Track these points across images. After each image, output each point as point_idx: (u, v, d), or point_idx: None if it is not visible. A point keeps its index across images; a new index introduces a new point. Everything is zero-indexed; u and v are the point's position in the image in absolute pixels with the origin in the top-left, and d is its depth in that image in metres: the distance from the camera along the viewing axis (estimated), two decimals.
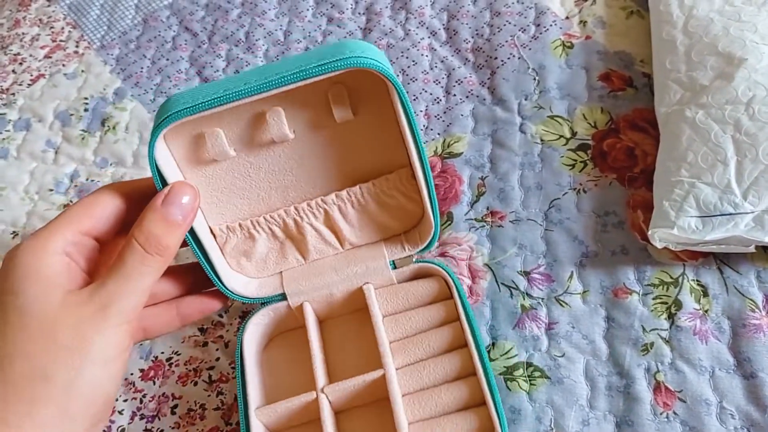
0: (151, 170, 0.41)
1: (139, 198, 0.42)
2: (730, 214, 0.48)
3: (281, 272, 0.51)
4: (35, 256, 0.38)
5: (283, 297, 0.50)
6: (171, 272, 0.48)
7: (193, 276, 0.49)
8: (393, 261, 0.51)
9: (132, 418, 0.52)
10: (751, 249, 0.48)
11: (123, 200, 0.42)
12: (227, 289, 0.48)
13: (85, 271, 0.41)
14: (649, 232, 0.50)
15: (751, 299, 0.49)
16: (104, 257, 0.43)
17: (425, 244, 0.50)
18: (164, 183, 0.42)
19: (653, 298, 0.50)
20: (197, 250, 0.46)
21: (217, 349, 0.54)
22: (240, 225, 0.49)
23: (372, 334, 0.49)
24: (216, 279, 0.48)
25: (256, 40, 0.74)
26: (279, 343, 0.53)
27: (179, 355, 0.54)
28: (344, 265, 0.51)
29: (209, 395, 0.52)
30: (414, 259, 0.51)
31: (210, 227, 0.49)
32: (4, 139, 0.72)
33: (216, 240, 0.49)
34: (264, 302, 0.50)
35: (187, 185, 0.42)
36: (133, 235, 0.39)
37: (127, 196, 0.42)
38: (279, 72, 0.40)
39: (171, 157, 0.44)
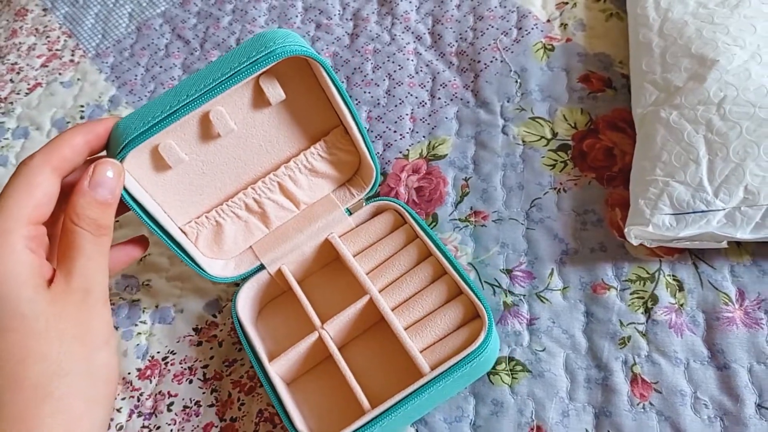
0: (123, 195, 0.44)
1: (72, 167, 0.42)
2: (703, 211, 0.50)
3: (251, 246, 0.56)
4: (5, 260, 0.37)
5: (261, 267, 0.55)
6: None
7: None
8: (347, 208, 0.57)
9: (130, 416, 0.54)
10: (724, 244, 0.50)
11: (58, 175, 0.41)
12: (211, 275, 0.53)
13: (47, 260, 0.41)
14: (625, 230, 0.52)
15: (724, 293, 0.51)
16: (52, 232, 0.43)
17: (370, 186, 0.56)
18: (135, 202, 0.46)
19: (630, 293, 0.52)
20: (177, 250, 0.51)
21: (211, 348, 0.56)
22: (206, 217, 0.54)
23: (348, 277, 0.54)
24: (200, 270, 0.52)
25: None
26: (270, 311, 0.57)
27: (174, 354, 0.56)
28: (306, 224, 0.56)
29: (204, 392, 0.54)
30: (364, 202, 0.57)
31: (180, 228, 0.53)
32: (2, 147, 0.74)
33: (188, 237, 0.53)
34: (246, 278, 0.55)
35: (109, 161, 0.42)
36: (73, 221, 0.39)
37: (60, 169, 0.41)
38: (215, 77, 0.43)
39: (131, 177, 0.47)
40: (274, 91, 0.48)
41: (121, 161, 0.43)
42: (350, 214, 0.57)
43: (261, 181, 0.54)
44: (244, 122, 0.50)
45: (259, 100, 0.49)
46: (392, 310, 0.51)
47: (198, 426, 0.52)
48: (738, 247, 0.52)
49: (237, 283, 0.59)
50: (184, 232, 0.53)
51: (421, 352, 0.48)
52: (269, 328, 0.55)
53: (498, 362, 0.51)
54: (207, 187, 0.52)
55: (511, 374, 0.50)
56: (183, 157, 0.49)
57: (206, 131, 0.49)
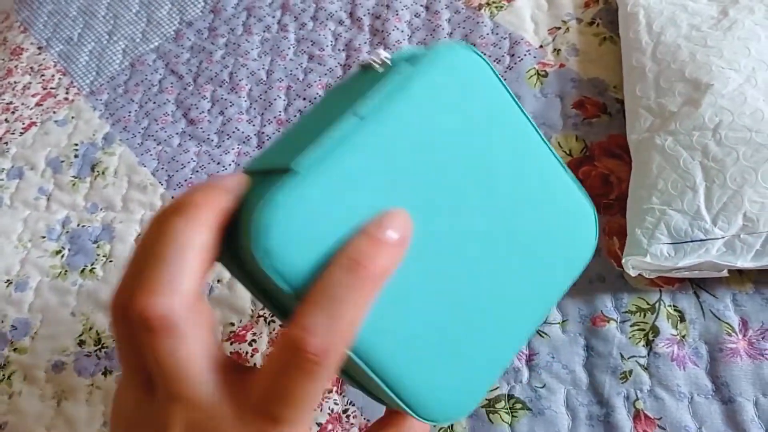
0: None
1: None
2: (701, 240, 0.49)
3: None
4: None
5: None
6: None
7: None
8: None
9: None
10: (724, 273, 0.49)
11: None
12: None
13: None
14: (623, 260, 0.51)
15: (727, 323, 0.50)
16: None
17: None
18: None
19: (631, 325, 0.51)
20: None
21: None
22: None
23: None
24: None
25: (240, 80, 0.76)
26: None
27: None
28: None
29: None
30: None
31: None
32: None
33: None
34: None
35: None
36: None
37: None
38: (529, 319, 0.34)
39: None
40: None
41: None
42: None
43: None
44: None
45: None
46: None
47: None
48: (740, 275, 0.51)
49: None
50: None
51: None
52: None
53: (497, 400, 0.50)
54: None
55: (511, 412, 0.49)
56: None
57: None
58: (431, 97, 0.28)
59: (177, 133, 0.73)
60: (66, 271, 0.65)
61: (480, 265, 0.30)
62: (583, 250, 0.35)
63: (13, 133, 0.78)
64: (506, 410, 0.49)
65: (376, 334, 0.26)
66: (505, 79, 0.67)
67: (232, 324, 0.58)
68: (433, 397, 0.29)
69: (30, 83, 0.83)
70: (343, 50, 0.75)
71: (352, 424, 0.52)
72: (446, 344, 0.29)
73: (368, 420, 0.51)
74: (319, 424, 0.52)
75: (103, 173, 0.72)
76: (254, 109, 0.73)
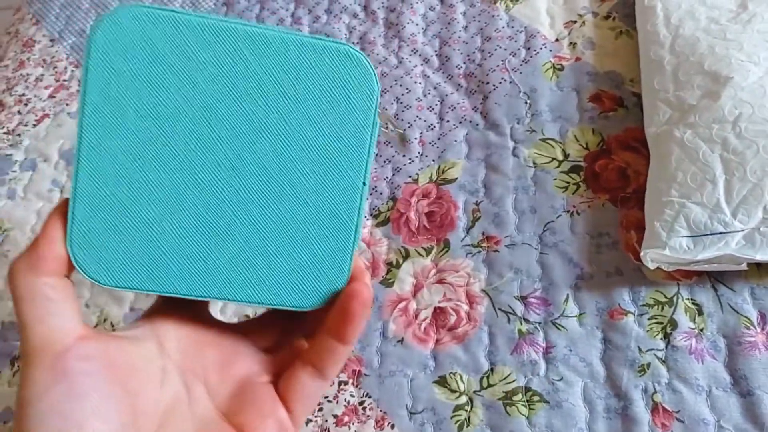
0: None
1: None
2: (721, 233, 0.49)
3: None
4: None
5: None
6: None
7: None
8: None
9: None
10: (743, 267, 0.49)
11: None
12: None
13: None
14: (642, 253, 0.51)
15: (745, 317, 0.49)
16: None
17: None
18: None
19: (648, 319, 0.51)
20: None
21: None
22: None
23: None
24: None
25: None
26: None
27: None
28: None
29: None
30: None
31: None
32: (11, 179, 0.73)
33: None
34: None
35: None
36: None
37: None
38: None
39: None
40: None
41: None
42: None
43: None
44: None
45: None
46: None
47: None
48: (758, 268, 0.51)
49: None
50: None
51: None
52: None
53: (514, 393, 0.50)
54: None
55: (528, 405, 0.49)
56: None
57: None
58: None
59: None
60: None
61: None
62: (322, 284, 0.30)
63: (26, 125, 0.78)
64: (523, 403, 0.49)
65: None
66: (521, 73, 0.67)
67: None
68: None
69: (42, 75, 0.83)
70: (357, 43, 0.75)
71: (368, 416, 0.52)
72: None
73: (384, 412, 0.51)
74: (335, 416, 0.52)
75: None
76: None
